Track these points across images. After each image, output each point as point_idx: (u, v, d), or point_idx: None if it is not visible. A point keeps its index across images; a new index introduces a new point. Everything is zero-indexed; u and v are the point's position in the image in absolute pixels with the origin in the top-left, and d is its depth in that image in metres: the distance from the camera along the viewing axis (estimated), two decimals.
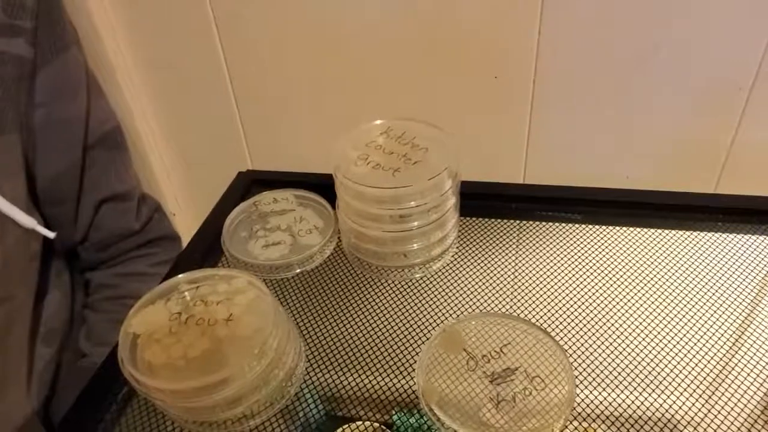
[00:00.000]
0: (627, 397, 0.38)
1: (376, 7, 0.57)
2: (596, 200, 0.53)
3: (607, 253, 0.49)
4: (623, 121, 0.61)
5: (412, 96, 0.62)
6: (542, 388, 0.35)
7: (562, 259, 0.49)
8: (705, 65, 0.56)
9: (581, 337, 0.42)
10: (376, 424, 0.50)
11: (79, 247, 0.58)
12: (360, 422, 0.45)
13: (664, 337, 0.41)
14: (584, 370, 0.39)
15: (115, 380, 0.39)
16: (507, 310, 0.44)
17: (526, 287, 0.46)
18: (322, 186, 0.50)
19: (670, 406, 0.37)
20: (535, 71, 0.58)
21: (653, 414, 0.37)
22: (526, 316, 0.43)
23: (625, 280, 0.46)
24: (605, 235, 0.51)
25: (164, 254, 0.63)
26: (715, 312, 0.43)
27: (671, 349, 0.41)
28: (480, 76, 0.60)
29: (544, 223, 0.52)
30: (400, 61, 0.60)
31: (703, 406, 0.37)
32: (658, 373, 0.39)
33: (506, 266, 0.48)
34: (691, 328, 0.42)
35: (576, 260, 0.48)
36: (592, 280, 0.46)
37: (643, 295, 0.45)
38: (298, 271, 0.47)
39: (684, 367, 0.39)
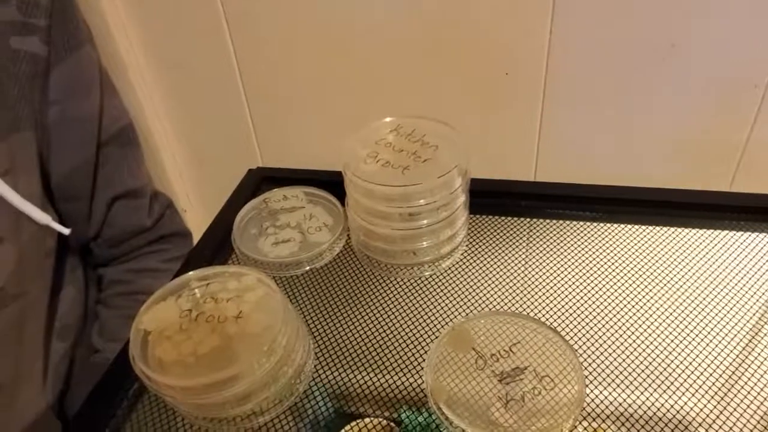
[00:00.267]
0: (638, 397, 0.38)
1: (385, 5, 0.57)
2: (608, 198, 0.52)
3: (619, 252, 0.48)
4: (637, 118, 0.60)
5: (422, 93, 0.62)
6: (551, 387, 0.35)
7: (572, 257, 0.48)
8: (720, 62, 0.55)
9: (592, 336, 0.41)
10: (385, 422, 0.50)
11: (92, 243, 0.58)
12: (369, 419, 0.45)
13: (677, 336, 0.41)
14: (594, 369, 0.39)
15: (126, 376, 0.40)
16: (517, 308, 0.44)
17: (537, 285, 0.46)
18: (332, 183, 0.50)
19: (682, 407, 0.37)
20: (547, 68, 0.58)
21: (665, 414, 0.37)
22: (536, 314, 0.43)
23: (638, 278, 0.46)
24: (617, 234, 0.50)
25: (176, 250, 0.64)
26: (729, 311, 0.43)
27: (684, 348, 0.40)
28: (491, 73, 0.60)
29: (554, 221, 0.52)
30: (410, 58, 0.60)
31: (715, 406, 0.36)
32: (670, 373, 0.39)
33: (516, 264, 0.48)
34: (704, 327, 0.42)
35: (587, 258, 0.48)
36: (604, 279, 0.46)
37: (656, 293, 0.45)
38: (307, 268, 0.47)
39: (697, 367, 0.39)
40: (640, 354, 0.40)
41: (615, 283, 0.46)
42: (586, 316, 0.43)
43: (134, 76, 0.64)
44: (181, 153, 0.73)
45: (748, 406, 0.36)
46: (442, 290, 0.46)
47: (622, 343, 0.41)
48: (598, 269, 0.47)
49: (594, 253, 0.48)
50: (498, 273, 0.47)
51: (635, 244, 0.49)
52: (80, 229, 0.55)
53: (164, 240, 0.63)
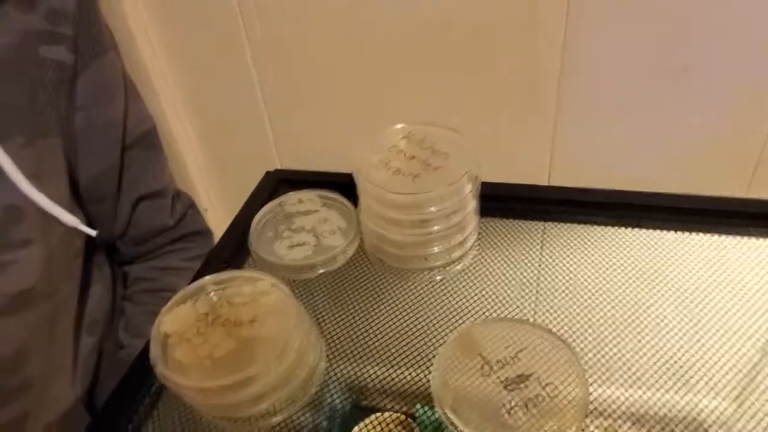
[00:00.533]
0: (646, 401, 0.38)
1: (402, 13, 0.58)
2: (620, 203, 0.52)
3: (632, 257, 0.48)
4: (652, 123, 0.59)
5: (436, 96, 0.63)
6: (555, 395, 0.36)
7: (584, 261, 0.48)
8: (736, 69, 0.55)
9: (601, 341, 0.42)
10: (402, 416, 0.52)
11: (118, 242, 0.60)
12: (388, 413, 0.46)
13: (687, 340, 0.41)
14: (602, 374, 0.39)
15: (148, 374, 0.42)
16: (526, 312, 0.45)
17: (547, 290, 0.46)
18: (346, 185, 0.51)
19: (695, 418, 0.37)
20: (561, 72, 0.58)
21: (676, 421, 0.37)
22: (545, 319, 0.44)
23: (651, 284, 0.46)
24: (629, 239, 0.50)
25: (197, 249, 0.65)
26: (743, 316, 0.43)
27: (696, 352, 0.40)
28: (505, 77, 0.60)
29: (566, 225, 0.52)
30: (425, 62, 0.60)
31: (731, 416, 0.36)
32: (680, 377, 0.39)
33: (527, 268, 0.49)
34: (717, 331, 0.42)
35: (598, 263, 0.48)
36: (616, 284, 0.46)
37: (669, 300, 0.45)
38: (321, 271, 0.48)
39: (710, 369, 0.39)
40: (650, 358, 0.40)
41: (627, 289, 0.46)
42: (596, 321, 0.43)
43: (157, 81, 0.66)
44: (202, 154, 0.75)
45: (766, 415, 0.36)
46: (453, 294, 0.47)
47: (633, 347, 0.41)
48: (610, 274, 0.47)
49: (606, 258, 0.48)
50: (509, 277, 0.48)
51: (648, 250, 0.49)
52: (107, 229, 0.57)
53: (186, 238, 0.65)
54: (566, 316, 0.44)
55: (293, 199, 0.53)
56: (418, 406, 0.52)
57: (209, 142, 0.74)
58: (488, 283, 0.47)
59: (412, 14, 0.58)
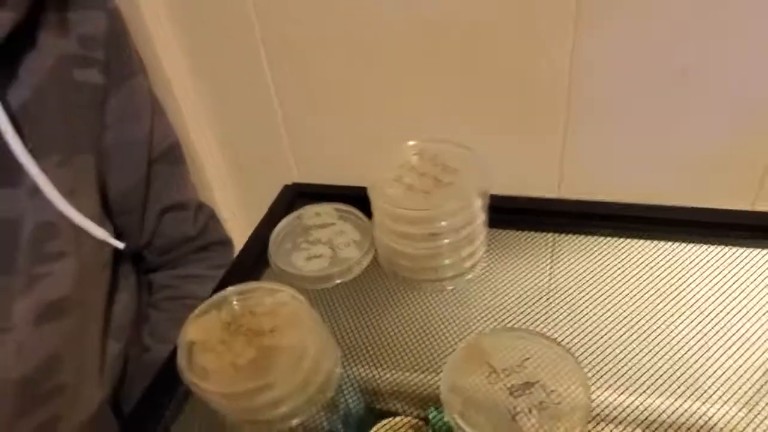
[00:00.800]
0: (654, 410, 0.40)
1: (419, 31, 0.59)
2: (628, 216, 0.53)
3: (640, 269, 0.49)
4: (660, 135, 0.60)
5: (449, 110, 0.64)
6: (559, 402, 0.38)
7: (593, 273, 0.49)
8: (743, 81, 0.55)
9: (611, 352, 0.43)
10: (415, 420, 0.54)
11: (143, 252, 0.63)
12: (400, 417, 0.48)
13: (696, 351, 0.42)
14: (612, 383, 0.40)
15: (175, 379, 0.44)
16: (534, 322, 0.46)
17: (555, 301, 0.48)
18: (361, 199, 0.53)
19: (703, 425, 0.38)
20: (570, 85, 0.59)
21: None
22: (553, 330, 0.45)
23: (659, 295, 0.46)
24: (637, 251, 0.51)
25: (219, 258, 0.68)
26: (749, 329, 0.43)
27: (703, 364, 0.41)
28: (514, 91, 0.61)
29: (575, 237, 0.53)
30: (438, 77, 0.62)
31: (735, 425, 0.37)
32: (689, 387, 0.40)
33: (536, 280, 0.50)
34: (725, 343, 0.42)
35: (607, 275, 0.49)
36: (624, 296, 0.47)
37: (678, 311, 0.45)
38: (337, 281, 0.50)
39: (719, 388, 0.40)
40: (658, 369, 0.41)
41: (636, 300, 0.46)
42: (605, 332, 0.44)
43: (181, 97, 0.69)
44: (224, 166, 0.78)
45: None
46: (462, 304, 0.48)
47: (642, 358, 0.42)
48: (619, 286, 0.48)
49: (615, 269, 0.49)
50: (517, 288, 0.49)
51: (658, 262, 0.49)
52: (133, 239, 0.60)
53: (208, 248, 0.67)
54: (574, 327, 0.45)
55: (310, 212, 0.55)
56: (432, 409, 0.54)
57: (231, 154, 0.76)
58: (497, 293, 0.49)
59: (428, 32, 0.59)
